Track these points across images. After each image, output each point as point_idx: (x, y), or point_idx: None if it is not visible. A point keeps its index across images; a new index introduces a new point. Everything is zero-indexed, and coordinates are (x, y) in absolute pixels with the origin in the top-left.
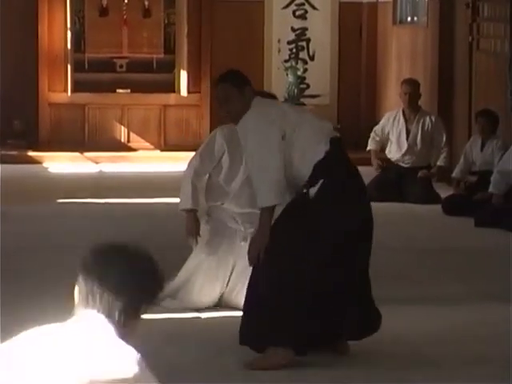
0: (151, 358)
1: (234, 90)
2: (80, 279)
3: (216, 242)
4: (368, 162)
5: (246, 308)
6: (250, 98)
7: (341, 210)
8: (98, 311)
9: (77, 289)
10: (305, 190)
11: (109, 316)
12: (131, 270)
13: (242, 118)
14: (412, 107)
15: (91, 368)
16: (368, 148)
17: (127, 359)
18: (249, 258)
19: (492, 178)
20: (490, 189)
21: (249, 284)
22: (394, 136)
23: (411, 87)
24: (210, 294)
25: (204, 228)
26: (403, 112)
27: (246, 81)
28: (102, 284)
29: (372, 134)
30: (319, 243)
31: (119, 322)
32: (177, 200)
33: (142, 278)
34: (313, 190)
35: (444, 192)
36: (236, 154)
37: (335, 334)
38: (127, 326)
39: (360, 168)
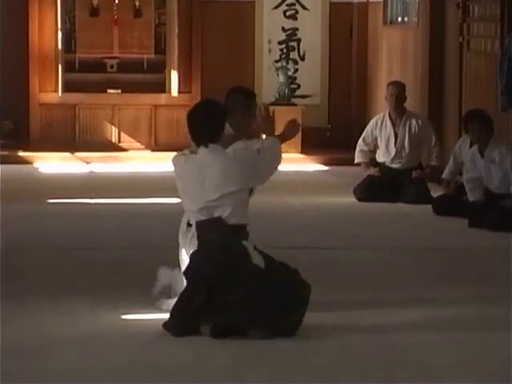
0: (143, 357)
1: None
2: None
3: None
4: (358, 163)
5: None
6: None
7: None
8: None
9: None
10: None
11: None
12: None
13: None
14: (398, 109)
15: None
16: (356, 161)
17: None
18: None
19: (466, 189)
20: (470, 198)
21: None
22: (382, 141)
23: (397, 89)
24: None
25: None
26: (389, 115)
27: None
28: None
29: (359, 146)
30: None
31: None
32: (168, 200)
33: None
34: None
35: (434, 192)
36: None
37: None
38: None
39: (350, 168)
